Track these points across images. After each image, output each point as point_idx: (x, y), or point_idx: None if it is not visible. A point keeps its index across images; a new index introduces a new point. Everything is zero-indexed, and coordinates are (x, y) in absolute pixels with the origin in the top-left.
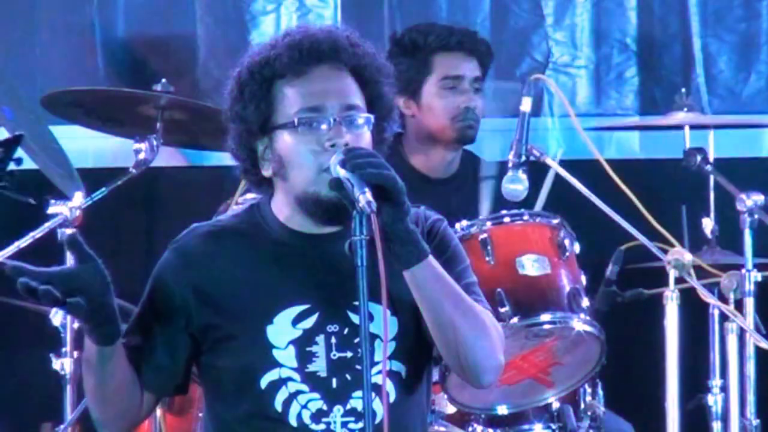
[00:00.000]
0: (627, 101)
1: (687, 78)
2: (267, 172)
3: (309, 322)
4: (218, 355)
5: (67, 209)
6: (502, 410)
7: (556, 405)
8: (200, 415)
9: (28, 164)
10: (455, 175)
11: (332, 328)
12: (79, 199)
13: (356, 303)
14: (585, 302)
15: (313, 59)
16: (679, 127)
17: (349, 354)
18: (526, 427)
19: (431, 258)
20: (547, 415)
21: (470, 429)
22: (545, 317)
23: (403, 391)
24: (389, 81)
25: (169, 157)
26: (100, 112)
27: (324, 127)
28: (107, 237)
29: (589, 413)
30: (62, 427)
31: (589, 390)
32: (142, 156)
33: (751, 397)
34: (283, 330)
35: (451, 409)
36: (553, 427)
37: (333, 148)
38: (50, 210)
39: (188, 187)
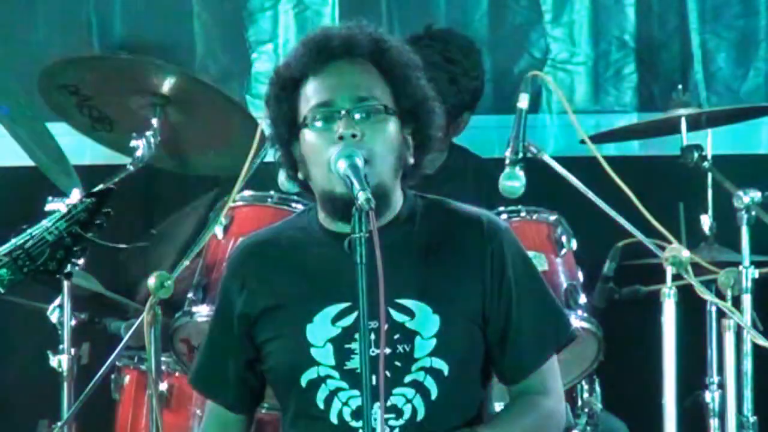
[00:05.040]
0: (625, 98)
1: (685, 75)
2: (300, 174)
3: (349, 320)
4: (266, 358)
5: (64, 206)
6: (500, 407)
7: None
8: (197, 412)
9: (26, 161)
10: (444, 166)
11: (372, 324)
12: (76, 195)
13: (397, 300)
14: (582, 299)
15: (326, 57)
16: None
17: (388, 350)
18: None
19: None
20: None
21: None
22: None
23: (446, 389)
24: (419, 75)
25: None
26: (95, 108)
27: (336, 120)
28: (104, 233)
29: (586, 410)
30: (59, 424)
31: (586, 387)
32: (139, 153)
33: (748, 394)
34: (321, 328)
35: None
36: None
37: (341, 140)
38: (48, 207)
39: (185, 185)
